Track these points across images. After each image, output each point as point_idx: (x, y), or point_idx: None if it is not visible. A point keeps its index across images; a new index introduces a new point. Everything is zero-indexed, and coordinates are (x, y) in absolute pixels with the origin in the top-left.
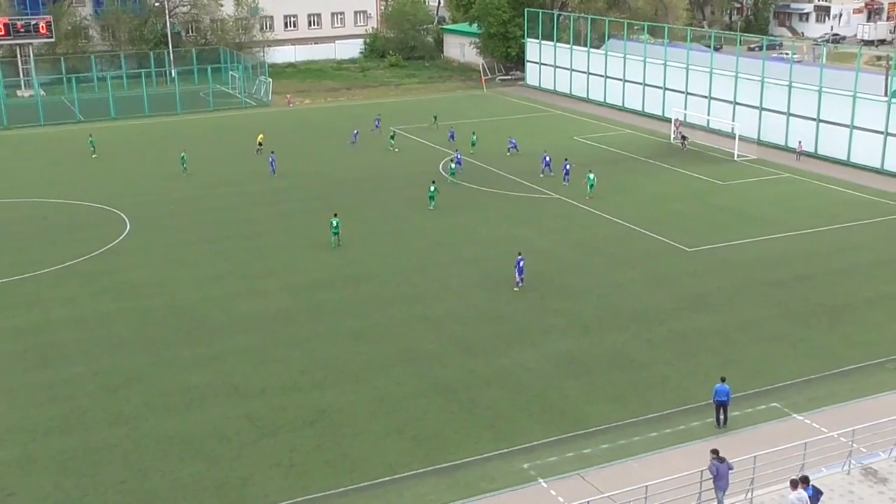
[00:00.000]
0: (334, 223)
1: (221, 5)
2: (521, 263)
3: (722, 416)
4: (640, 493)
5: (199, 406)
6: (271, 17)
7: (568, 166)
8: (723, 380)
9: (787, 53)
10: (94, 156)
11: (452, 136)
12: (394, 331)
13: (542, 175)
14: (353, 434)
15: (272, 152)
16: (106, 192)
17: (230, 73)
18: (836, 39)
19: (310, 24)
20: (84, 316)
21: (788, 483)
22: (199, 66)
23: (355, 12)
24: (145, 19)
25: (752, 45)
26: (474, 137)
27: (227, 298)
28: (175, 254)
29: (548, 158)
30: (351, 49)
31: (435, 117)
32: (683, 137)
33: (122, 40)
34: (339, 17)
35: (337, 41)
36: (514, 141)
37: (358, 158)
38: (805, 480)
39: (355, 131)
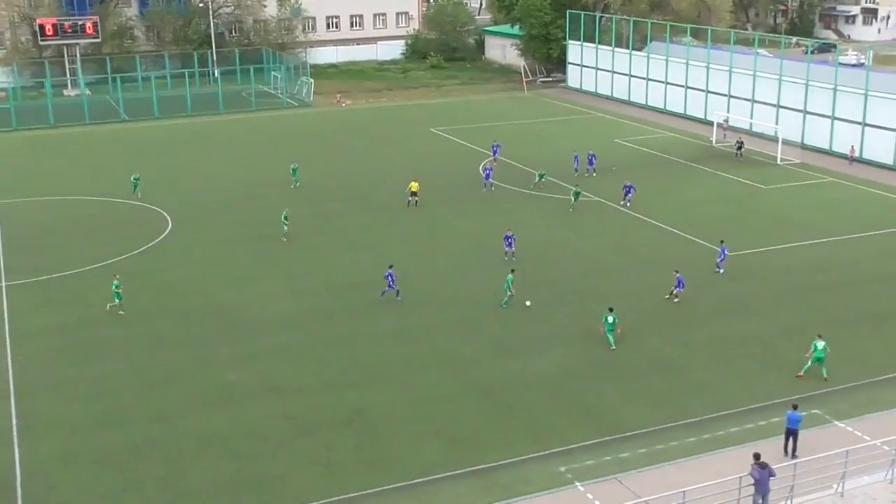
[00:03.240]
0: (284, 216)
1: (265, 6)
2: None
3: (791, 445)
4: (678, 498)
5: (237, 404)
6: (314, 18)
7: (589, 160)
8: (794, 407)
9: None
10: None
11: (496, 152)
12: (431, 332)
13: (586, 174)
14: (390, 434)
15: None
16: (148, 191)
17: (272, 73)
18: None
19: (352, 25)
20: (126, 313)
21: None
22: (242, 66)
23: (397, 13)
24: (189, 20)
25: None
26: (542, 172)
27: (266, 297)
28: (216, 252)
29: (586, 155)
30: (392, 50)
31: (541, 175)
32: (740, 144)
33: (166, 40)
34: (381, 18)
35: (378, 42)
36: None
37: (404, 160)
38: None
39: (491, 163)
